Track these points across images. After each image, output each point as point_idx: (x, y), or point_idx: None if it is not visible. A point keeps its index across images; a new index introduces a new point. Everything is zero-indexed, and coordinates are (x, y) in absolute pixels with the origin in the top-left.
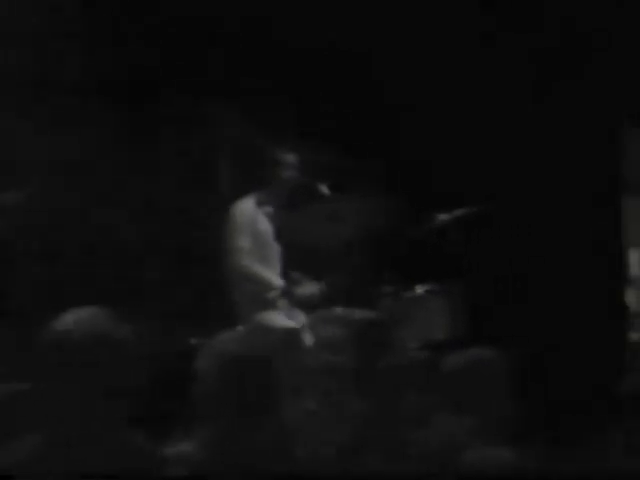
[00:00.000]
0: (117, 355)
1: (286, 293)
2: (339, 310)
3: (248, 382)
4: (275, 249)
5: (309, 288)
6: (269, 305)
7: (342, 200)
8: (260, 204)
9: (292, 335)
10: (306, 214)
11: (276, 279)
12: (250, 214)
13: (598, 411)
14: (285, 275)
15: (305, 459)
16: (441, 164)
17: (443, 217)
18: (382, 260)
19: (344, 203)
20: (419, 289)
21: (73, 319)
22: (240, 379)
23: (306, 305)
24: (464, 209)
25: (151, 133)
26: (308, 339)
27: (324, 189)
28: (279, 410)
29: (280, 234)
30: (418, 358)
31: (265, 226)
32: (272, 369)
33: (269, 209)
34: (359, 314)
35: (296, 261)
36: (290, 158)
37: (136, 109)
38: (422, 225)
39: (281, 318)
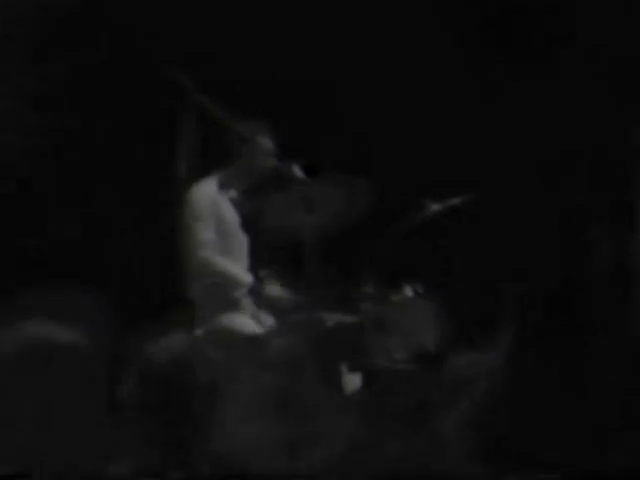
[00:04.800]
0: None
1: (253, 292)
2: (314, 314)
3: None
4: (241, 241)
5: (280, 288)
6: (232, 305)
7: (319, 186)
8: (223, 187)
9: (255, 343)
10: (277, 201)
11: (242, 275)
12: (212, 199)
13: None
14: (252, 271)
15: None
16: (433, 146)
17: (435, 207)
18: (364, 256)
19: (321, 189)
20: (407, 290)
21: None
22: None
23: (275, 308)
24: (460, 197)
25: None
26: (274, 348)
27: (298, 172)
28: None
29: (247, 223)
30: (406, 370)
31: (229, 213)
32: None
33: (234, 194)
34: (336, 319)
35: (265, 255)
36: (260, 134)
37: None
38: (411, 216)
39: (245, 321)
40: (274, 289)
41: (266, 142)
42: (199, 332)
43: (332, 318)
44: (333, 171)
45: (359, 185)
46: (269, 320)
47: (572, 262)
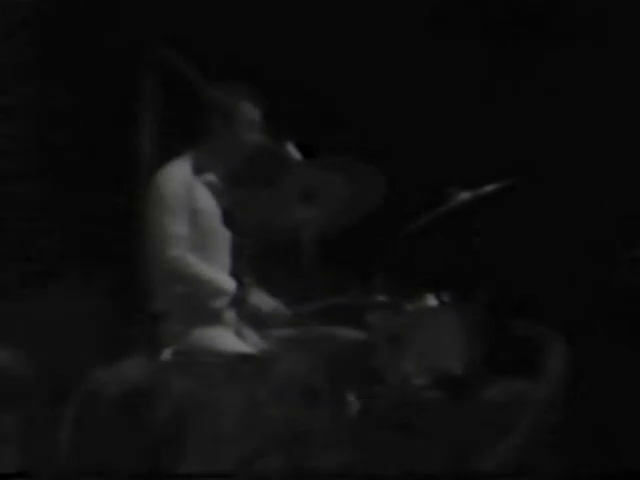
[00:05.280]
0: None
1: (237, 302)
2: (312, 329)
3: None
4: (222, 237)
5: (270, 298)
6: (211, 319)
7: (320, 171)
8: (198, 170)
9: (240, 365)
10: (267, 189)
11: (223, 281)
12: (184, 185)
13: None
14: (236, 276)
15: None
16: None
17: (464, 196)
18: (375, 258)
19: (323, 176)
20: (428, 300)
21: None
22: None
23: (265, 322)
24: (495, 184)
25: None
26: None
27: (293, 152)
28: None
29: (229, 216)
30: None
31: (206, 204)
32: None
33: (213, 179)
34: (341, 333)
35: (252, 257)
36: (242, 101)
37: None
38: (433, 208)
39: (228, 338)
40: (263, 299)
41: (250, 111)
42: (167, 354)
43: (335, 334)
44: (336, 154)
45: (368, 172)
46: (256, 338)
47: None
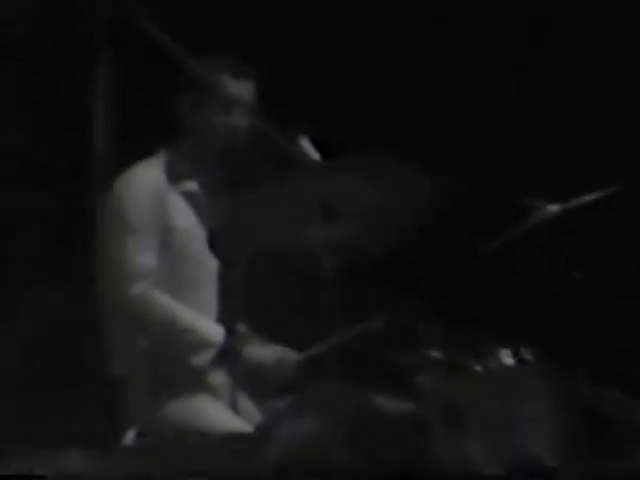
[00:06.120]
0: None
1: (227, 358)
2: (331, 387)
3: None
4: (205, 268)
5: (275, 348)
6: (191, 383)
7: (344, 175)
8: (175, 175)
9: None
10: (270, 200)
11: (207, 328)
12: (155, 195)
13: None
14: (225, 322)
15: None
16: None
17: (552, 208)
18: (423, 293)
19: (345, 180)
20: (501, 355)
21: None
22: None
23: (266, 384)
24: (595, 192)
25: None
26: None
27: (308, 148)
28: None
29: (216, 238)
30: None
31: (186, 221)
32: None
33: (193, 186)
34: (377, 401)
35: (248, 294)
36: (235, 77)
37: None
38: (507, 224)
39: (215, 411)
40: (264, 352)
41: (245, 90)
42: (129, 438)
43: (367, 401)
44: (366, 151)
45: (411, 175)
46: (253, 409)
47: None
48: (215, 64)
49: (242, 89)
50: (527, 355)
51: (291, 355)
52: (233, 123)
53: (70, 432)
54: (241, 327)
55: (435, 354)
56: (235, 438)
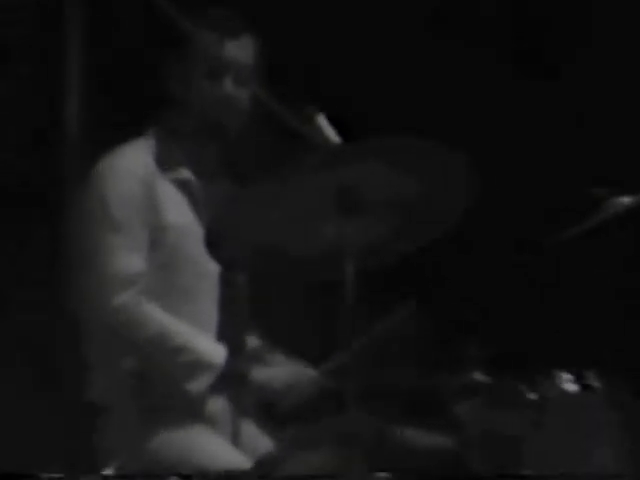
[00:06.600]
0: None
1: (230, 382)
2: (354, 417)
3: None
4: (203, 272)
5: (286, 369)
6: (185, 412)
7: (372, 160)
8: (167, 162)
9: None
10: (280, 191)
11: (205, 346)
12: (143, 184)
13: None
14: (228, 338)
15: None
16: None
17: (624, 202)
18: (465, 303)
19: (370, 167)
20: (562, 380)
21: None
22: None
23: (279, 413)
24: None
25: None
26: None
27: (326, 128)
28: None
29: (216, 237)
30: None
31: (180, 216)
32: None
33: (187, 174)
34: (409, 436)
35: (255, 303)
36: (233, 38)
37: None
38: (568, 220)
39: (214, 445)
40: (274, 373)
41: (241, 52)
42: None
43: (399, 435)
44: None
45: (453, 161)
46: (266, 442)
47: None
48: (204, 19)
49: (237, 51)
50: (592, 380)
51: (306, 374)
52: (223, 92)
53: (44, 460)
54: (251, 341)
55: (479, 378)
56: (231, 476)
